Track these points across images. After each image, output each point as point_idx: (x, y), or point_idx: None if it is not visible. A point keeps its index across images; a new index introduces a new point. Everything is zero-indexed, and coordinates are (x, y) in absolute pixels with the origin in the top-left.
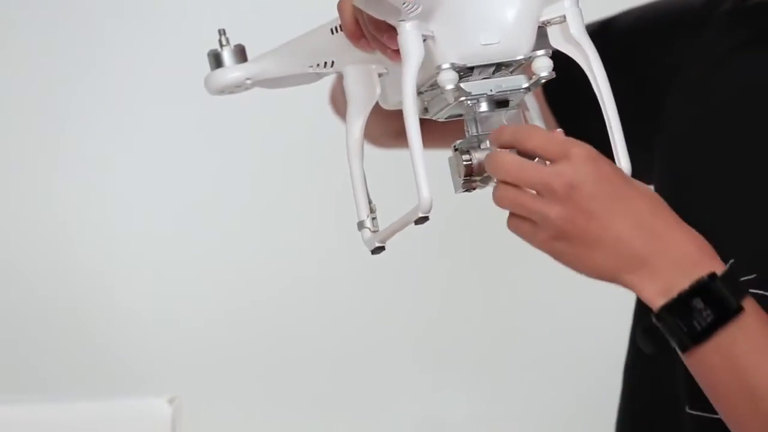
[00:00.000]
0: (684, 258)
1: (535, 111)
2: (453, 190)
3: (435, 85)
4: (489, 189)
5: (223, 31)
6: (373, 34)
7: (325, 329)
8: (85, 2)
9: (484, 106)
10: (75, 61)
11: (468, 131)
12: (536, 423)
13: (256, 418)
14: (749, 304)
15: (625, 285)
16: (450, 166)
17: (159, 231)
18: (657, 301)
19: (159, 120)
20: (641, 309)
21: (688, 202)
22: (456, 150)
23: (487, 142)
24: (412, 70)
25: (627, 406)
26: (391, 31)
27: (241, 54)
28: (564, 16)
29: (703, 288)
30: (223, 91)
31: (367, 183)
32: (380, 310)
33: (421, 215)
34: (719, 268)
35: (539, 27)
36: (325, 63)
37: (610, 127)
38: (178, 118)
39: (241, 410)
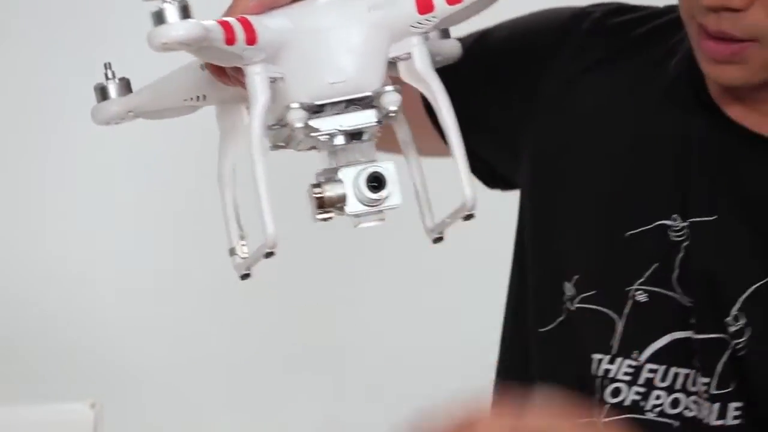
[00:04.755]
0: None
1: (407, 137)
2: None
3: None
4: None
5: (109, 64)
6: (231, 72)
7: (228, 331)
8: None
9: (340, 139)
10: (55, 65)
11: (325, 163)
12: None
13: (169, 421)
14: None
15: None
16: (308, 197)
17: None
18: None
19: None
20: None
21: (549, 220)
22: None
23: (342, 172)
24: (258, 112)
25: None
26: None
27: (125, 87)
28: (410, 53)
29: None
30: (108, 122)
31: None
32: (281, 312)
33: (267, 251)
34: None
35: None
36: (198, 97)
37: (456, 160)
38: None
39: (158, 414)
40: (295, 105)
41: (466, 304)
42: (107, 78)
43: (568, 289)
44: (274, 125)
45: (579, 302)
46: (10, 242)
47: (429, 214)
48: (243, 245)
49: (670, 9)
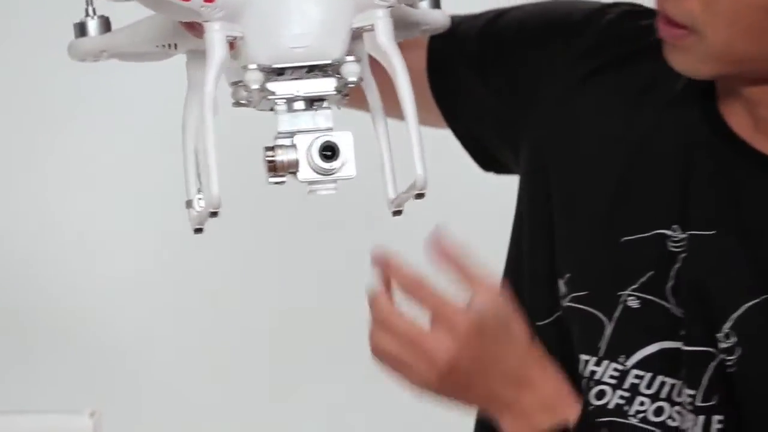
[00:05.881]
0: (544, 404)
1: (376, 105)
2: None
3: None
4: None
5: (90, 1)
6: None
7: (227, 341)
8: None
9: (300, 104)
10: (58, 61)
11: (281, 127)
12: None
13: (168, 430)
14: None
15: (495, 420)
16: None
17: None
18: None
19: (141, 113)
20: None
21: (545, 215)
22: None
23: (298, 137)
24: (212, 70)
25: None
26: None
27: (104, 25)
28: (374, 25)
29: None
30: (83, 59)
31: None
32: (280, 319)
33: (211, 210)
34: (574, 412)
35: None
36: (169, 45)
37: (410, 137)
38: (161, 111)
39: (157, 422)
40: (252, 66)
41: None
42: (87, 15)
43: (561, 286)
44: (237, 82)
45: (569, 301)
46: (10, 254)
47: (392, 184)
48: (200, 199)
49: None
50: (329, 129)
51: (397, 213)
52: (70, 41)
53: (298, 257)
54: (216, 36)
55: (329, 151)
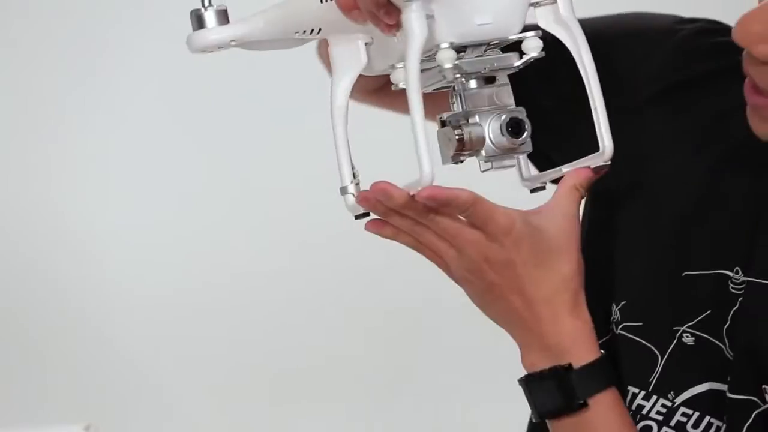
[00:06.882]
0: (554, 346)
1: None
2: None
3: (429, 61)
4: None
5: None
6: (368, 7)
7: (227, 355)
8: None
9: (473, 83)
10: (71, 59)
11: (454, 106)
12: None
13: None
14: (604, 400)
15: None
16: (438, 139)
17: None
18: (525, 367)
19: (147, 114)
20: None
21: (604, 238)
22: (445, 124)
23: (476, 116)
24: (417, 50)
25: None
26: (389, 6)
27: (223, 16)
28: None
29: (556, 375)
30: (204, 50)
31: (350, 149)
32: (279, 336)
33: (420, 189)
34: (584, 359)
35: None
36: (312, 30)
37: (595, 109)
38: (166, 112)
39: None
40: (445, 45)
41: None
42: (204, 5)
43: (615, 312)
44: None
45: (622, 329)
46: (8, 263)
47: (525, 163)
48: (356, 183)
49: None
50: (511, 105)
51: (538, 189)
52: (190, 33)
53: (300, 269)
54: (416, 15)
55: (515, 127)
